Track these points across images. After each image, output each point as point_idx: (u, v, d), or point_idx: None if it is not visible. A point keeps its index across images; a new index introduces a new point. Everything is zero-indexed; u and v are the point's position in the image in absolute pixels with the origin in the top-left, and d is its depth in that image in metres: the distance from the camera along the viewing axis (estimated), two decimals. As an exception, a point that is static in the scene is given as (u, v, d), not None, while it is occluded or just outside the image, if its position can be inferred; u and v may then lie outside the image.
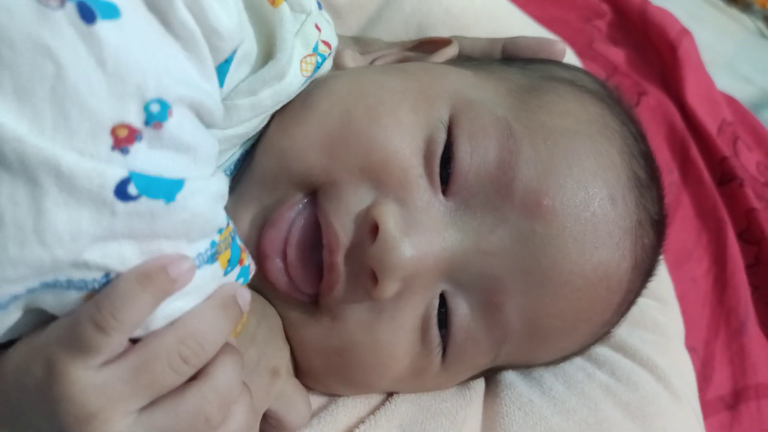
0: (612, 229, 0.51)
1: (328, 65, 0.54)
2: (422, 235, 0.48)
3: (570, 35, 1.07)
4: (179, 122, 0.35)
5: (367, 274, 0.47)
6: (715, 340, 0.91)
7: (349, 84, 0.53)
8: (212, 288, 0.40)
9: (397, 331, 0.50)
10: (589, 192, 0.50)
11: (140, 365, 0.35)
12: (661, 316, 0.74)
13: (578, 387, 0.63)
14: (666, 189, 0.61)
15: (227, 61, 0.41)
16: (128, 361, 0.35)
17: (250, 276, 0.45)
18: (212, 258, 0.39)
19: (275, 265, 0.49)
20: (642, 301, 0.64)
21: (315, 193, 0.50)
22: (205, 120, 0.38)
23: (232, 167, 0.52)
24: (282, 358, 0.50)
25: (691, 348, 0.79)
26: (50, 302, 0.36)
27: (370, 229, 0.47)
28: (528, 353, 0.57)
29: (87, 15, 0.32)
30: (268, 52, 0.46)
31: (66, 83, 0.31)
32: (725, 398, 0.86)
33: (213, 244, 0.39)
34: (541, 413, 0.59)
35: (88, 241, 0.33)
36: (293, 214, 0.50)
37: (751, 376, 0.88)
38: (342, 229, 0.48)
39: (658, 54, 1.17)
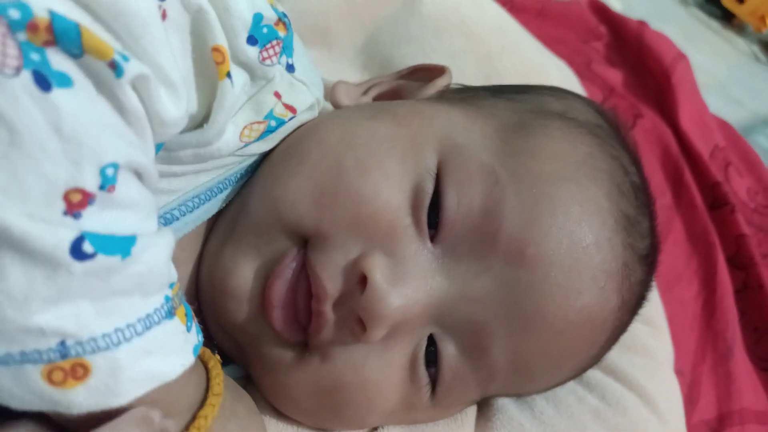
0: (596, 273, 0.51)
1: (294, 125, 0.54)
2: (409, 284, 0.48)
3: (569, 55, 1.08)
4: (127, 183, 0.35)
5: (355, 320, 0.48)
6: (702, 364, 0.91)
7: (340, 131, 0.53)
8: (179, 344, 0.39)
9: (385, 371, 0.51)
10: (573, 239, 0.50)
11: None
12: (651, 339, 0.75)
13: (568, 411, 0.64)
14: (658, 212, 0.62)
15: None
16: None
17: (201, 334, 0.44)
18: (170, 313, 0.39)
19: (279, 314, 0.50)
20: (633, 326, 0.65)
21: (306, 243, 0.50)
22: (145, 183, 0.38)
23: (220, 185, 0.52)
24: None
25: (678, 371, 0.80)
26: (9, 385, 0.34)
27: (358, 280, 0.48)
28: (516, 388, 0.59)
29: (42, 83, 0.31)
30: (206, 114, 0.45)
31: (20, 149, 0.31)
32: (710, 423, 0.87)
33: (167, 298, 0.39)
34: (532, 436, 0.60)
35: (41, 302, 0.32)
36: (296, 266, 0.50)
37: (735, 402, 0.88)
38: (329, 280, 0.48)
39: (654, 78, 1.18)
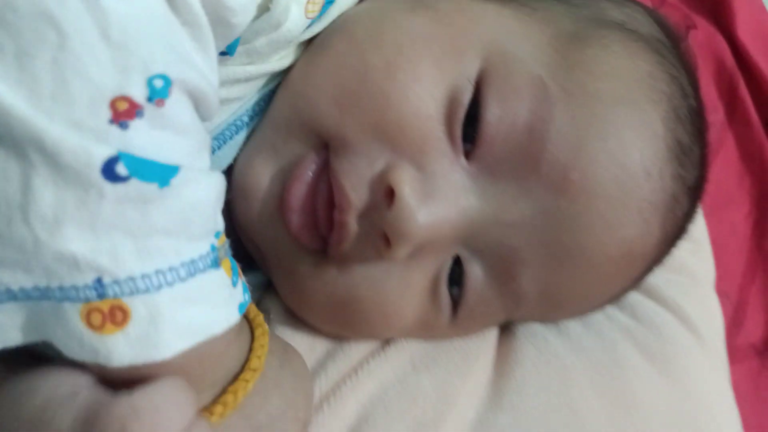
0: (642, 205, 0.48)
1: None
2: (440, 202, 0.46)
3: (616, -36, 1.01)
4: (179, 102, 0.34)
5: (379, 235, 0.46)
6: (750, 286, 0.88)
7: (370, 25, 0.49)
8: (224, 298, 0.37)
9: (405, 290, 0.49)
10: (622, 167, 0.47)
11: None
12: (690, 257, 0.71)
13: (596, 327, 0.62)
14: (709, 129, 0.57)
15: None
16: None
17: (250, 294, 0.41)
18: (215, 263, 0.36)
19: (298, 218, 0.48)
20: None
21: (326, 148, 0.48)
22: (201, 111, 0.37)
23: (250, 111, 0.51)
24: (310, 408, 0.46)
25: (724, 293, 0.77)
26: (53, 327, 0.33)
27: (384, 193, 0.45)
28: (541, 316, 0.58)
29: None
30: None
31: (68, 52, 0.31)
32: (756, 345, 0.84)
33: (213, 248, 0.36)
34: (556, 351, 0.59)
35: (73, 226, 0.31)
36: (316, 169, 0.48)
37: (784, 325, 0.85)
38: (353, 190, 0.46)
39: (709, -17, 1.10)
